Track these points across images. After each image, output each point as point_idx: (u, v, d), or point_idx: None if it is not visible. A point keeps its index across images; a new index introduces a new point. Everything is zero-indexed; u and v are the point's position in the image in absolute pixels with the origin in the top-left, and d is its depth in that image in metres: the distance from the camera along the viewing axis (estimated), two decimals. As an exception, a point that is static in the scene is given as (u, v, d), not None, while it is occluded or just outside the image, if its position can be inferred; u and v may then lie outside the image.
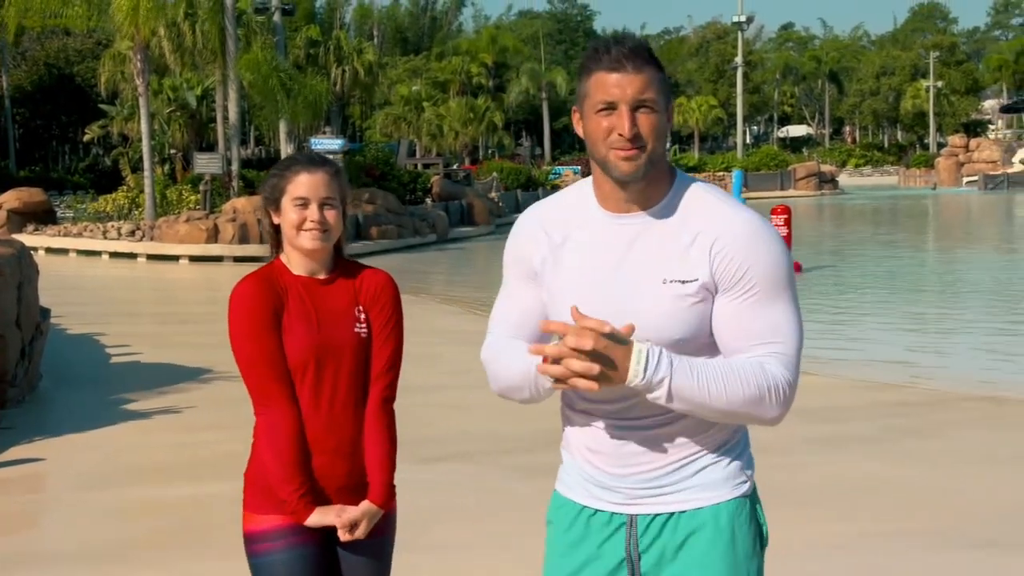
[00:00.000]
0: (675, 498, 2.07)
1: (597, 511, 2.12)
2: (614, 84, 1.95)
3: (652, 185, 2.02)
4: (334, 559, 2.59)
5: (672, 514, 2.08)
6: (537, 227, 2.15)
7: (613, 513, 2.11)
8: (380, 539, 2.61)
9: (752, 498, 2.12)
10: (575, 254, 2.07)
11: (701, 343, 2.01)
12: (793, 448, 6.70)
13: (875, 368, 10.36)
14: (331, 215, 2.53)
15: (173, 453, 6.82)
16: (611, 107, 1.96)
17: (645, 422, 2.05)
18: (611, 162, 1.97)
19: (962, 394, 8.95)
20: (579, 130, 2.05)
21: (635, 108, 1.96)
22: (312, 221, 2.51)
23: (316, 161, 2.58)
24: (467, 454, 6.81)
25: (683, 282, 1.98)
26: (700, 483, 2.06)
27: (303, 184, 2.52)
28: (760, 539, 2.15)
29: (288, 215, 2.54)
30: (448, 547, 4.91)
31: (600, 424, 2.09)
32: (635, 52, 1.96)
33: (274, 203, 2.57)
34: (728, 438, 2.12)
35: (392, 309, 2.61)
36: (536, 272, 2.13)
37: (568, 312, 1.97)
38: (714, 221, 2.00)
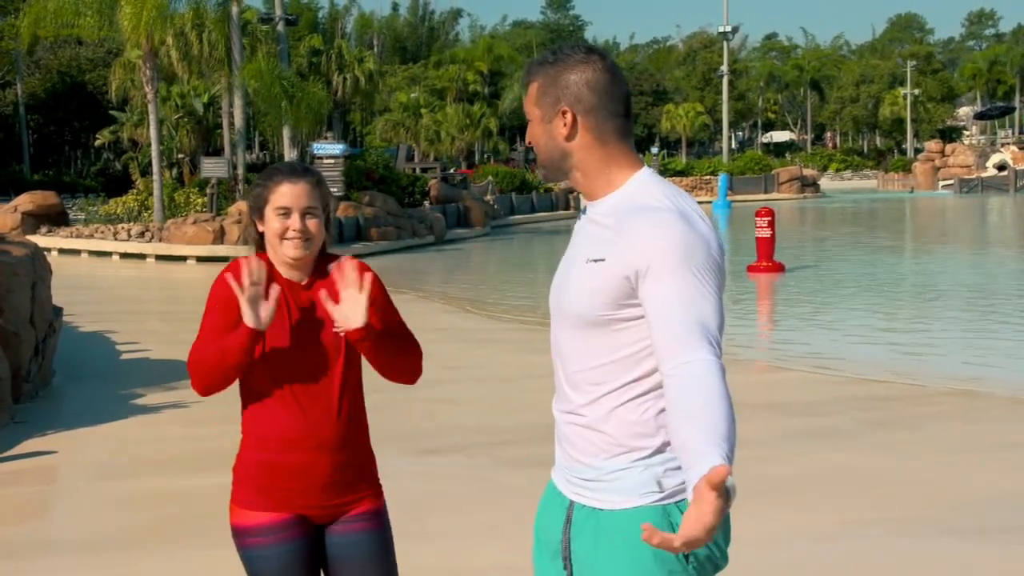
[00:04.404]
0: (596, 495, 2.09)
1: (559, 491, 2.23)
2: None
3: (605, 181, 2.13)
4: (324, 553, 2.59)
5: (595, 509, 2.10)
6: None
7: (562, 494, 2.21)
8: (373, 533, 2.60)
9: (667, 509, 2.04)
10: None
11: (594, 319, 2.06)
12: (773, 441, 6.84)
13: (853, 364, 10.32)
14: (313, 224, 2.53)
15: (180, 446, 6.93)
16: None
17: (575, 412, 2.13)
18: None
19: (937, 389, 8.97)
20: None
21: None
22: (294, 230, 2.51)
23: (298, 171, 2.57)
24: (462, 446, 6.89)
25: (595, 261, 2.06)
26: (618, 485, 2.06)
27: (285, 194, 2.52)
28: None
29: (271, 224, 2.54)
30: (442, 535, 5.04)
31: (557, 414, 2.23)
32: None
33: (258, 212, 2.57)
34: (649, 443, 2.07)
35: (383, 298, 2.62)
36: None
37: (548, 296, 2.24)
38: (634, 212, 2.05)
